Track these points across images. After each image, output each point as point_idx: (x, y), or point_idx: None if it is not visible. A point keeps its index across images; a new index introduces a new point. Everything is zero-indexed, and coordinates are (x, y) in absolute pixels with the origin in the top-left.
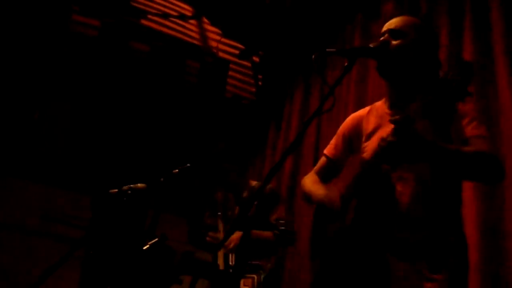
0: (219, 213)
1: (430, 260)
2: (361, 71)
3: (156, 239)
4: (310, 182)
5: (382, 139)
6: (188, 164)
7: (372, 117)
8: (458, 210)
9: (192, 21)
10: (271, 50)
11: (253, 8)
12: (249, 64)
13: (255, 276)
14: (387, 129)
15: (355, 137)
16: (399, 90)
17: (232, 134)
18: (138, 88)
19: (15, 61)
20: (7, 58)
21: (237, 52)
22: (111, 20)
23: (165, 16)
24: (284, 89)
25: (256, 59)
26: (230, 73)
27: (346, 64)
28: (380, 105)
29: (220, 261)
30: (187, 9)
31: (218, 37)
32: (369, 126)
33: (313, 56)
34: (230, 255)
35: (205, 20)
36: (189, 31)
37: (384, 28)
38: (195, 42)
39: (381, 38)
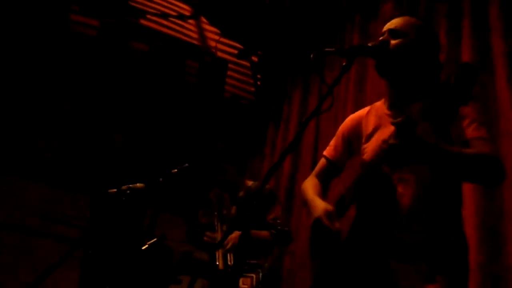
0: (215, 213)
1: (431, 261)
2: (360, 71)
3: (155, 239)
4: (310, 186)
5: (384, 141)
6: (187, 164)
7: (372, 118)
8: (458, 211)
9: (191, 21)
10: (270, 50)
11: (252, 8)
12: (248, 64)
13: (253, 275)
14: (386, 130)
15: (354, 138)
16: (399, 90)
17: (231, 134)
18: (137, 88)
19: (15, 61)
20: (7, 58)
21: (236, 52)
22: (110, 20)
23: (164, 16)
24: (283, 89)
25: (255, 59)
26: (229, 73)
27: (344, 63)
28: (380, 106)
29: (220, 261)
30: (186, 9)
31: (217, 37)
32: (368, 127)
33: (311, 56)
34: (229, 254)
35: (204, 20)
36: (188, 31)
37: (384, 28)
38: (194, 42)
39: (381, 38)
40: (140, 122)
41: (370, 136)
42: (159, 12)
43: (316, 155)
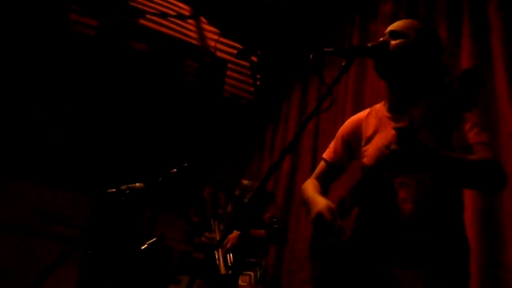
0: (211, 212)
1: (431, 266)
2: (359, 71)
3: (154, 239)
4: (310, 187)
5: (386, 147)
6: (186, 164)
7: (372, 120)
8: (460, 216)
9: (190, 21)
10: (269, 50)
11: (252, 8)
12: (247, 64)
13: (252, 273)
14: (386, 132)
15: (354, 140)
16: (398, 92)
17: (230, 134)
18: (137, 88)
19: (14, 61)
20: (6, 58)
21: (235, 52)
22: (110, 19)
23: (163, 15)
24: (282, 89)
25: (254, 58)
26: (228, 72)
27: (344, 63)
28: (380, 108)
29: (221, 265)
30: (185, 9)
31: (216, 37)
32: (368, 129)
33: (311, 56)
34: (228, 255)
35: (203, 19)
36: (187, 30)
37: (386, 30)
38: (193, 41)
39: (381, 39)
40: (139, 122)
41: (370, 139)
42: (158, 12)
43: (315, 155)
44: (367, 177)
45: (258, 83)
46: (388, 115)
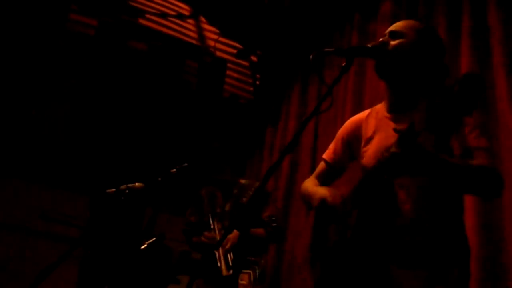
0: (209, 212)
1: (431, 266)
2: (359, 71)
3: (154, 239)
4: (311, 184)
5: (386, 150)
6: (186, 164)
7: (372, 121)
8: (460, 217)
9: (190, 21)
10: (269, 50)
11: (251, 7)
12: (247, 64)
13: (251, 271)
14: (385, 133)
15: (354, 141)
16: (398, 92)
17: (229, 134)
18: (136, 87)
19: (13, 60)
20: (5, 57)
21: (235, 51)
22: (109, 19)
23: (163, 15)
24: (282, 89)
25: (254, 58)
26: (228, 72)
27: (344, 64)
28: (380, 108)
29: (222, 266)
30: (185, 9)
31: (216, 37)
32: (368, 130)
33: (311, 56)
34: (229, 255)
35: (203, 19)
36: (187, 30)
37: (386, 31)
38: (193, 41)
39: (381, 39)
40: (139, 122)
41: (369, 140)
42: (158, 12)
43: (315, 155)
44: (367, 178)
45: (257, 83)
46: (388, 115)
